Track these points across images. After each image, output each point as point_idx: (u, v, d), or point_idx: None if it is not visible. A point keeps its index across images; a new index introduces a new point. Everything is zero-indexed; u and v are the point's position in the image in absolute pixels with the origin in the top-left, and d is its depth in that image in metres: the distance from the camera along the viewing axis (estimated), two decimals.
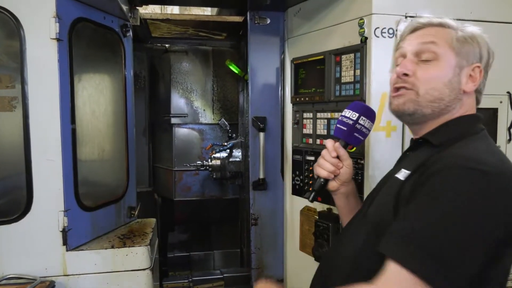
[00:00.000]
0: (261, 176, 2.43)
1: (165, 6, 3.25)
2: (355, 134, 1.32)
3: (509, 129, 2.01)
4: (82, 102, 1.92)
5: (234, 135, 3.37)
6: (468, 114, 1.17)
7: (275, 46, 2.47)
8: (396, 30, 1.81)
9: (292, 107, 2.36)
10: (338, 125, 1.35)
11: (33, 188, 1.72)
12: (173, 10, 3.71)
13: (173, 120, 3.52)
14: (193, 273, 3.45)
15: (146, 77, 3.69)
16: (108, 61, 2.21)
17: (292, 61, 2.31)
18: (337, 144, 1.34)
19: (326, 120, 2.10)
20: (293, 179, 2.35)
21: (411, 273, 0.87)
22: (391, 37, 1.82)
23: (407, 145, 1.81)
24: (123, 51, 2.21)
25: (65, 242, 1.76)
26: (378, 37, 1.80)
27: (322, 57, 2.07)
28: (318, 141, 2.16)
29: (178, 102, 3.54)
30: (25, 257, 1.73)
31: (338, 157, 1.36)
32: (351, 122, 1.32)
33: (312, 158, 2.20)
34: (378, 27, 1.80)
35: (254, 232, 2.52)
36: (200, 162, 3.23)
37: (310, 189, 1.39)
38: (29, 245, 1.73)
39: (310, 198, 1.35)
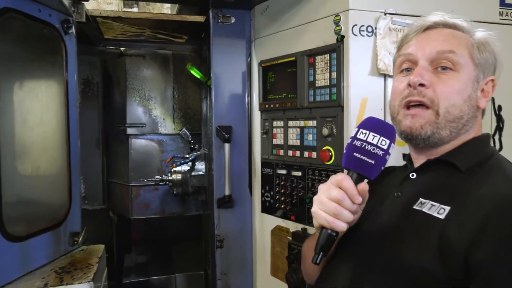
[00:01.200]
0: (227, 193, 2.17)
1: (124, 5, 2.95)
2: (382, 167, 0.91)
3: (493, 136, 1.87)
4: (9, 109, 1.59)
5: (196, 146, 3.10)
6: (482, 134, 1.04)
7: (240, 48, 2.24)
8: (375, 28, 1.64)
9: (261, 115, 2.14)
10: (358, 155, 0.90)
11: None
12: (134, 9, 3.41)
13: (130, 131, 3.21)
14: None
15: (100, 83, 3.35)
16: (46, 62, 1.89)
17: (259, 64, 2.09)
18: (364, 184, 0.91)
19: (299, 129, 1.89)
20: (262, 195, 2.12)
21: None
22: (370, 36, 1.64)
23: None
24: (64, 51, 1.89)
25: None
26: (356, 35, 1.62)
27: (293, 58, 1.86)
28: (290, 153, 1.94)
29: (135, 110, 3.24)
30: None
31: None
32: (381, 152, 0.90)
33: (284, 171, 1.97)
34: (356, 25, 1.62)
35: (220, 256, 2.25)
36: (159, 176, 2.93)
37: (314, 248, 0.93)
38: None
39: (318, 261, 0.92)
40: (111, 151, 3.42)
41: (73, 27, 1.93)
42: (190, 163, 2.88)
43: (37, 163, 1.84)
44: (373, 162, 0.89)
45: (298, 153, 1.89)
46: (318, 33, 1.75)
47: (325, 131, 1.71)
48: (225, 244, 2.25)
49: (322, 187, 0.94)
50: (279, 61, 1.95)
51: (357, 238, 1.00)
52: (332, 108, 1.70)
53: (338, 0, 1.65)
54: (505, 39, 1.86)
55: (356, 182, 0.91)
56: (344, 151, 0.94)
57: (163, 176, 2.92)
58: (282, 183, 1.98)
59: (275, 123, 2.04)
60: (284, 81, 1.96)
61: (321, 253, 0.91)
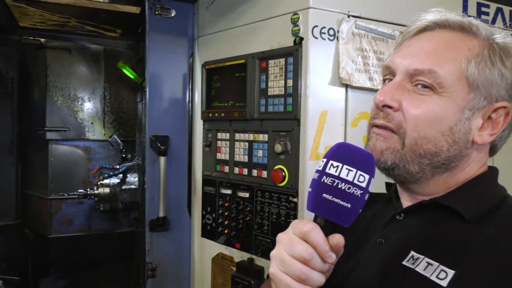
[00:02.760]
0: (161, 214, 1.87)
1: None
2: (360, 211, 0.69)
3: None
4: None
5: (129, 155, 2.74)
6: (486, 172, 0.80)
7: (181, 46, 1.98)
8: (338, 32, 1.44)
9: (203, 125, 1.88)
10: (330, 197, 0.67)
11: None
12: None
13: (50, 135, 2.81)
14: None
15: (15, 79, 2.89)
16: None
17: (203, 66, 1.83)
18: (339, 238, 0.66)
19: (247, 143, 1.65)
20: (203, 217, 1.85)
21: None
22: (332, 40, 1.44)
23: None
24: None
25: None
26: (316, 38, 1.41)
27: (243, 61, 1.63)
28: (236, 170, 1.69)
29: (56, 112, 2.84)
30: None
31: None
32: (359, 192, 0.67)
33: (229, 191, 1.72)
34: (317, 26, 1.41)
35: (151, 287, 1.93)
36: (83, 190, 2.53)
37: None
38: None
39: None
40: (27, 158, 2.99)
41: None
42: (121, 175, 2.51)
43: None
44: (349, 205, 0.66)
45: (245, 171, 1.65)
46: (273, 33, 1.52)
47: (278, 148, 1.48)
48: (158, 273, 1.94)
49: (281, 238, 0.68)
50: (226, 64, 1.70)
51: None
52: (287, 121, 1.47)
53: None
54: None
55: (326, 230, 0.66)
56: (310, 190, 0.68)
57: (88, 189, 2.52)
58: (227, 204, 1.73)
59: (219, 135, 1.77)
60: (231, 87, 1.71)
61: None
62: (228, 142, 1.74)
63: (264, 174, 1.57)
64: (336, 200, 0.66)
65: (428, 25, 0.78)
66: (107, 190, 2.47)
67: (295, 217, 1.47)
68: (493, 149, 0.81)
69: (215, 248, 1.79)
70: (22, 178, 2.98)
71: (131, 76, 2.60)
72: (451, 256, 0.69)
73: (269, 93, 1.54)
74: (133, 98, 2.99)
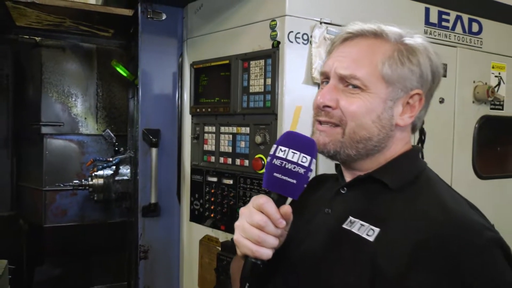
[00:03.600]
0: (153, 201, 2.03)
1: None
2: (304, 185, 0.84)
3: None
4: None
5: (121, 149, 2.89)
6: (412, 148, 0.97)
7: (171, 47, 2.14)
8: (311, 37, 1.62)
9: (192, 119, 2.04)
10: (279, 175, 0.83)
11: None
12: None
13: (44, 130, 2.93)
14: None
15: (10, 75, 2.99)
16: None
17: (191, 65, 2.00)
18: (287, 208, 0.83)
19: (231, 135, 1.83)
20: (191, 203, 2.02)
21: None
22: (306, 44, 1.62)
23: (321, 165, 1.60)
24: None
25: None
26: (292, 42, 1.59)
27: (227, 62, 1.80)
28: (221, 160, 1.87)
29: (51, 107, 2.96)
30: None
31: None
32: (302, 170, 0.83)
33: (214, 179, 1.89)
34: (292, 31, 1.59)
35: (144, 267, 2.10)
36: (78, 181, 2.67)
37: (240, 279, 0.86)
38: None
39: None
40: (22, 151, 3.08)
41: None
42: (114, 167, 2.66)
43: None
44: (295, 181, 0.83)
45: (229, 161, 1.82)
46: (254, 37, 1.69)
47: (258, 139, 1.66)
48: (150, 255, 2.10)
49: (243, 211, 0.85)
50: (213, 64, 1.87)
51: (286, 262, 0.94)
52: (266, 116, 1.65)
53: (275, 5, 1.61)
54: None
55: (279, 203, 0.83)
56: (264, 171, 0.86)
57: (83, 180, 2.67)
58: (213, 191, 1.90)
59: (206, 128, 1.95)
60: (217, 85, 1.87)
61: (248, 284, 0.83)
62: (214, 135, 1.91)
63: (246, 163, 1.75)
64: (284, 177, 0.82)
65: (348, 35, 0.94)
66: (101, 181, 2.62)
67: None
68: (413, 128, 0.98)
69: (202, 231, 1.96)
70: (17, 171, 3.09)
71: (124, 74, 2.74)
72: (378, 217, 0.86)
73: (251, 91, 1.71)
74: (125, 94, 3.12)
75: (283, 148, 0.83)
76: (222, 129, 1.86)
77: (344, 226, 0.88)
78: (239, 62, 1.74)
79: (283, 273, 0.94)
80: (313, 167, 0.83)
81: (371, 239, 0.83)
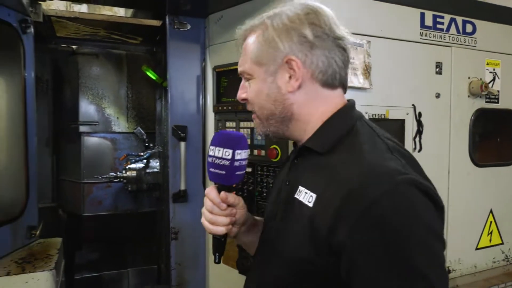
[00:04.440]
0: (182, 188, 2.31)
1: (72, 4, 2.96)
2: (236, 173, 1.03)
3: (414, 138, 2.19)
4: None
5: (151, 144, 3.20)
6: (338, 110, 1.01)
7: (195, 53, 2.40)
8: None
9: (215, 116, 2.30)
10: (212, 170, 1.03)
11: None
12: (81, 8, 3.43)
13: (82, 128, 3.23)
14: None
15: (50, 81, 3.34)
16: (3, 60, 1.93)
17: (214, 69, 2.26)
18: (223, 194, 1.03)
19: (249, 129, 2.08)
20: None
21: None
22: None
23: None
24: (22, 50, 1.95)
25: None
26: None
27: None
28: None
29: (87, 108, 3.26)
30: None
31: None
32: (227, 162, 1.00)
33: None
34: None
35: (175, 247, 2.39)
36: (113, 173, 2.99)
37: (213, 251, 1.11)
38: None
39: (217, 261, 1.09)
40: (61, 149, 3.41)
41: (31, 26, 1.99)
42: (145, 161, 2.97)
43: None
44: (224, 172, 1.01)
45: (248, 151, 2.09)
46: None
47: None
48: (180, 236, 2.39)
49: (204, 200, 1.07)
50: (231, 68, 2.14)
51: (263, 234, 1.11)
52: None
53: None
54: (424, 56, 2.20)
55: (225, 190, 1.04)
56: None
57: (117, 173, 2.99)
58: None
59: (227, 124, 2.21)
60: (236, 86, 2.13)
61: (217, 254, 1.08)
62: (234, 129, 2.18)
63: (263, 152, 2.01)
64: (216, 170, 1.01)
65: (239, 39, 1.10)
66: (134, 173, 2.94)
67: None
68: (328, 83, 0.98)
69: None
70: (58, 166, 3.42)
71: (153, 78, 3.03)
72: (315, 183, 0.93)
73: None
74: (152, 96, 3.41)
75: (212, 147, 1.03)
76: (242, 124, 2.13)
77: (295, 195, 0.97)
78: None
79: (260, 242, 1.12)
80: (239, 157, 1.00)
81: (310, 204, 0.91)
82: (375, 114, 2.05)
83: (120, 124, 3.34)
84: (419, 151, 2.21)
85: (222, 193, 1.03)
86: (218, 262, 1.08)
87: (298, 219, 0.93)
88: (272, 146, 1.94)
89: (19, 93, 1.96)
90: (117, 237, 3.45)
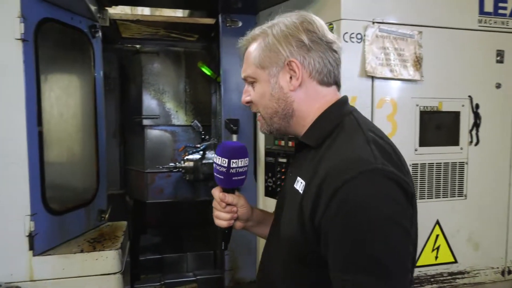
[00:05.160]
0: None
1: (135, 7, 3.20)
2: (233, 178, 1.20)
3: (470, 131, 2.11)
4: (49, 104, 1.87)
5: (207, 137, 3.36)
6: (329, 106, 1.11)
7: None
8: (364, 36, 1.87)
9: None
10: (215, 174, 1.23)
11: None
12: (144, 11, 3.67)
13: (145, 122, 3.48)
14: (165, 276, 3.42)
15: (116, 78, 3.62)
16: (77, 62, 2.16)
17: None
18: (221, 194, 1.22)
19: None
20: (266, 180, 2.38)
21: None
22: (359, 42, 1.88)
23: None
24: (92, 52, 2.17)
25: (31, 247, 1.71)
26: (346, 42, 1.86)
27: None
28: (290, 143, 2.20)
29: (150, 103, 3.50)
30: None
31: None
32: (224, 169, 1.18)
33: (284, 160, 2.23)
34: (347, 32, 1.86)
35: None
36: (172, 164, 3.20)
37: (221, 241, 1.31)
38: None
39: (223, 248, 1.30)
40: (127, 140, 3.69)
41: (99, 31, 2.20)
42: (201, 152, 3.15)
43: (71, 151, 2.13)
44: (222, 177, 1.20)
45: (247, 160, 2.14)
46: None
47: None
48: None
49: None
50: None
51: (272, 222, 1.27)
52: None
53: (332, 11, 1.89)
54: (483, 44, 2.10)
55: (227, 191, 1.23)
56: None
57: (176, 163, 3.19)
58: (283, 170, 2.24)
59: None
60: None
61: (223, 242, 1.28)
62: None
63: None
64: (217, 175, 1.21)
65: (241, 48, 1.20)
66: (191, 164, 3.12)
67: None
68: (325, 82, 1.10)
69: (275, 203, 2.32)
70: (124, 156, 3.72)
71: (208, 73, 3.18)
72: (307, 174, 1.03)
73: None
74: (208, 90, 3.58)
75: (216, 156, 1.21)
76: None
77: (294, 185, 1.08)
78: None
79: (271, 225, 1.27)
80: (234, 165, 1.18)
81: (301, 191, 1.03)
82: (426, 107, 2.01)
83: (179, 118, 3.53)
84: (476, 144, 2.12)
85: (221, 193, 1.23)
86: (225, 249, 1.31)
87: (294, 205, 1.04)
88: None
89: (90, 90, 2.18)
90: (176, 223, 3.68)
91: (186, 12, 3.15)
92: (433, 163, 2.04)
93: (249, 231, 1.37)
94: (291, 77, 1.09)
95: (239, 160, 1.19)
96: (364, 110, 1.90)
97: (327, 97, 1.12)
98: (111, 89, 3.59)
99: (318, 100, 1.12)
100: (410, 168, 1.98)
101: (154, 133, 3.51)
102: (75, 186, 2.15)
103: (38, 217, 1.73)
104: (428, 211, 2.04)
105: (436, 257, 2.11)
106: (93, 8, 2.10)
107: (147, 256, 3.61)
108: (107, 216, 2.21)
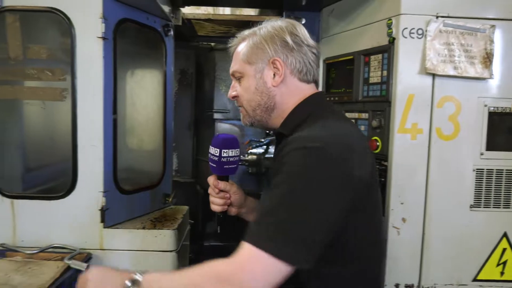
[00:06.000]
0: None
1: (218, 7, 3.40)
2: (225, 166, 1.39)
3: None
4: (123, 95, 2.10)
5: (271, 132, 3.44)
6: (303, 100, 1.26)
7: None
8: (426, 31, 1.79)
9: None
10: (210, 163, 1.43)
11: (77, 170, 1.92)
12: (225, 10, 3.87)
13: (216, 116, 3.67)
14: None
15: (193, 74, 3.87)
16: (150, 59, 2.39)
17: (324, 61, 2.34)
18: (215, 181, 1.44)
19: (354, 120, 2.11)
20: None
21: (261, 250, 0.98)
22: (420, 38, 1.80)
23: (433, 147, 1.80)
24: (164, 49, 2.37)
25: (102, 220, 1.95)
26: (406, 37, 1.79)
27: (351, 57, 2.08)
28: None
29: (221, 98, 3.68)
30: (69, 230, 1.94)
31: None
32: (216, 158, 1.38)
33: None
34: (406, 28, 1.79)
35: None
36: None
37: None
38: (73, 220, 1.94)
39: (218, 231, 1.57)
40: (200, 132, 3.93)
41: (171, 30, 2.40)
42: (265, 146, 3.24)
43: (141, 139, 2.36)
44: (215, 165, 1.40)
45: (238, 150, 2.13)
46: (373, 35, 1.94)
47: (374, 123, 1.92)
48: None
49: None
50: (340, 59, 2.19)
51: None
52: (382, 103, 1.89)
53: (391, 6, 1.83)
54: None
55: (222, 179, 1.45)
56: None
57: (241, 156, 3.33)
58: None
59: None
60: (343, 77, 2.18)
61: (218, 226, 1.56)
62: None
63: None
64: (211, 164, 1.42)
65: (232, 47, 1.40)
66: (254, 157, 3.24)
67: (386, 178, 1.89)
68: (303, 78, 1.27)
69: None
70: (197, 147, 3.99)
71: None
72: (278, 158, 1.14)
73: (370, 81, 1.98)
74: None
75: (211, 147, 1.40)
76: (347, 115, 2.17)
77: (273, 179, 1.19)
78: (361, 57, 2.02)
79: None
80: (225, 155, 1.36)
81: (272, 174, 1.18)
82: (497, 107, 1.86)
83: None
84: None
85: (215, 180, 1.44)
86: (219, 232, 1.60)
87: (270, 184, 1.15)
88: (373, 138, 1.94)
89: (161, 84, 2.40)
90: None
91: (257, 10, 3.25)
92: (502, 169, 1.87)
93: (244, 217, 1.55)
94: (274, 74, 1.24)
95: (230, 150, 1.37)
96: (422, 109, 1.82)
97: (305, 91, 1.27)
98: (188, 84, 3.84)
99: (297, 94, 1.26)
100: (473, 174, 1.84)
101: (223, 127, 3.69)
102: (144, 170, 2.39)
103: (109, 194, 1.97)
104: (493, 221, 1.88)
105: (502, 273, 1.93)
106: (167, 8, 2.30)
107: (211, 243, 3.81)
108: (171, 199, 2.41)
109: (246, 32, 1.34)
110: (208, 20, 2.93)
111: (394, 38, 1.81)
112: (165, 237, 2.00)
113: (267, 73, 1.25)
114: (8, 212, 1.94)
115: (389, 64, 1.84)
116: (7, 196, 1.94)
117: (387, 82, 1.86)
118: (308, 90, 1.28)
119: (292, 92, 1.26)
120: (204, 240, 3.81)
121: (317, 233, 0.99)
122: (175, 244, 2.02)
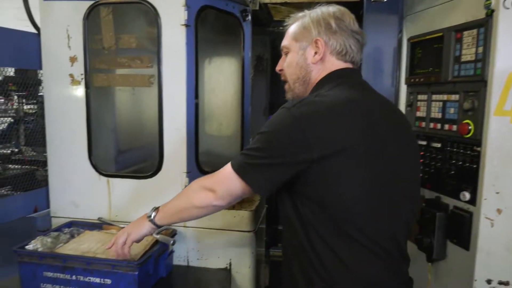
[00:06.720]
0: None
1: None
2: None
3: None
4: (203, 81, 2.18)
5: None
6: (324, 76, 1.39)
7: (392, 26, 2.38)
8: None
9: (407, 89, 2.26)
10: None
11: (163, 151, 2.05)
12: None
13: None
14: None
15: (269, 59, 3.89)
16: (229, 44, 2.44)
17: (408, 40, 2.21)
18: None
19: (441, 103, 1.97)
20: None
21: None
22: None
23: None
24: (242, 35, 2.40)
25: None
26: (508, 8, 1.61)
27: (440, 34, 1.93)
28: (431, 125, 2.04)
29: None
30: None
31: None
32: None
33: (424, 142, 2.09)
34: None
35: None
36: None
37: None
38: (161, 197, 2.07)
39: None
40: None
41: (249, 15, 2.42)
42: None
43: (220, 124, 2.44)
44: None
45: (439, 126, 1.98)
46: (467, 8, 1.77)
47: (466, 105, 1.77)
48: None
49: None
50: (427, 37, 2.04)
51: None
52: (476, 83, 1.73)
53: None
54: None
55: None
56: None
57: None
58: (422, 153, 2.10)
59: (419, 97, 2.14)
60: (430, 57, 2.03)
61: None
62: (426, 103, 2.08)
63: (454, 128, 1.87)
64: None
65: (287, 25, 1.53)
66: None
67: (478, 164, 1.74)
68: (339, 58, 1.39)
69: None
70: None
71: None
72: None
73: (462, 60, 1.81)
74: None
75: None
76: (434, 97, 2.02)
77: None
78: (452, 34, 1.86)
79: None
80: None
81: None
82: None
83: None
84: None
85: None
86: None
87: None
88: (465, 121, 1.79)
89: (239, 70, 2.44)
90: None
91: None
92: None
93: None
94: (315, 53, 1.39)
95: None
96: None
97: (336, 68, 1.39)
98: (264, 70, 3.88)
99: (328, 70, 1.40)
100: None
101: None
102: (223, 154, 2.47)
103: (191, 174, 2.07)
104: None
105: None
106: None
107: None
108: None
109: (300, 14, 1.48)
110: (284, 4, 2.90)
111: (493, 10, 1.64)
112: (243, 218, 2.06)
113: (309, 51, 1.41)
114: (105, 190, 2.14)
115: (485, 39, 1.67)
116: (104, 175, 2.13)
117: (483, 60, 1.69)
118: (339, 66, 1.40)
119: (327, 69, 1.40)
120: (279, 224, 3.86)
121: (274, 172, 1.25)
122: (253, 225, 2.08)
